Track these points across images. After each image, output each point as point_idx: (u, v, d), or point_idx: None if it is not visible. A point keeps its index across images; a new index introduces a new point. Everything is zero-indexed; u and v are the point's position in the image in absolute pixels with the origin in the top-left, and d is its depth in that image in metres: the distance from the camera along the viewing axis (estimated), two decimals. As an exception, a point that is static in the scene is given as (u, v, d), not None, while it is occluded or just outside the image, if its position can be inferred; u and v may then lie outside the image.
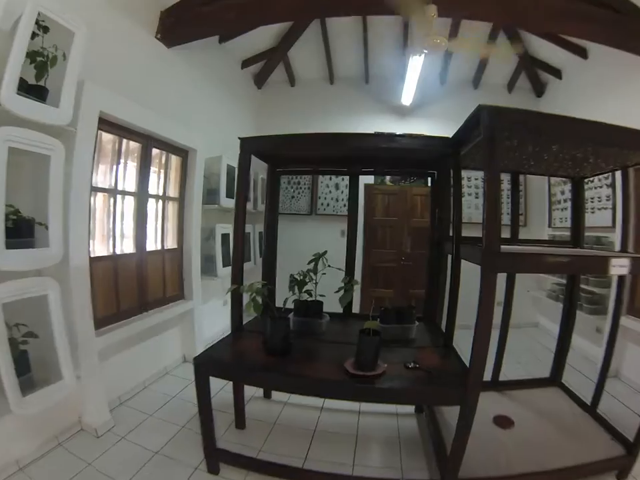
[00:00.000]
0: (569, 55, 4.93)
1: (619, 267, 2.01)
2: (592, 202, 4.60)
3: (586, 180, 4.58)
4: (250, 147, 2.63)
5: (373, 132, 4.94)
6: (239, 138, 2.61)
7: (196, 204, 4.29)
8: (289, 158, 3.04)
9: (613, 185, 4.22)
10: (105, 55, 3.00)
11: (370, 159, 2.97)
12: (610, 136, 2.05)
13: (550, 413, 2.85)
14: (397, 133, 2.55)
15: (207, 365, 2.18)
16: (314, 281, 2.64)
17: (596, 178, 4.54)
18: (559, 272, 1.95)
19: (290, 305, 2.64)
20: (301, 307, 2.71)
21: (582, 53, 4.85)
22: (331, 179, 5.86)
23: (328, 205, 5.94)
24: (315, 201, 5.98)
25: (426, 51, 3.39)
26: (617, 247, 3.95)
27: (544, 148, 2.28)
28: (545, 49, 5.15)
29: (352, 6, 3.78)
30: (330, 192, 5.91)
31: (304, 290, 2.62)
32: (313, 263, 2.63)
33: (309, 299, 2.69)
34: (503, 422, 2.70)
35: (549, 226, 5.68)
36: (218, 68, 5.04)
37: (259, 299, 2.24)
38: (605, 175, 4.39)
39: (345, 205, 5.75)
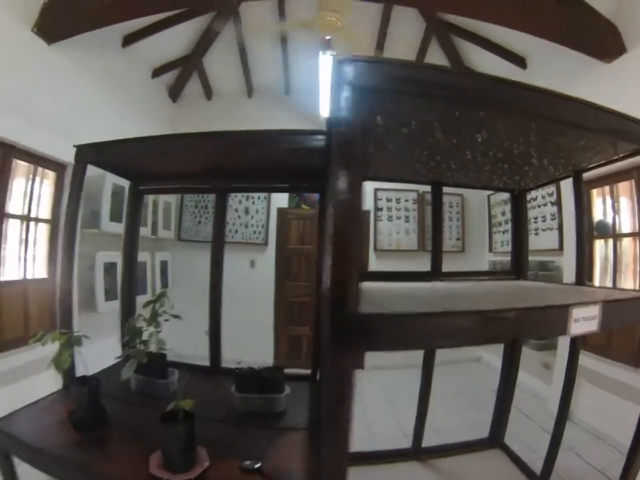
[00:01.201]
0: (507, 65, 4.21)
1: (584, 320, 1.10)
2: (535, 222, 3.77)
3: (528, 198, 3.77)
4: (88, 155, 1.93)
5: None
6: (75, 146, 1.92)
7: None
8: (153, 173, 2.27)
9: (558, 203, 3.41)
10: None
11: (243, 172, 2.14)
12: (570, 112, 1.17)
13: (489, 492, 1.96)
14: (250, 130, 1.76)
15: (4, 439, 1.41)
16: (156, 330, 1.77)
17: (539, 195, 3.73)
18: (479, 343, 0.99)
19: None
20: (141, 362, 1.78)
21: (521, 62, 4.17)
22: (240, 202, 4.88)
23: (237, 231, 4.80)
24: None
25: (328, 37, 2.49)
26: (567, 273, 3.11)
27: (465, 138, 1.36)
28: (482, 59, 4.43)
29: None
30: (239, 217, 4.89)
31: (140, 340, 1.76)
32: (151, 306, 1.79)
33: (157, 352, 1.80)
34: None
35: (490, 250, 4.80)
36: (121, 75, 4.10)
37: (67, 353, 1.56)
38: (549, 192, 3.58)
39: (255, 232, 4.86)
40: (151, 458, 1.27)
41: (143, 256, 4.17)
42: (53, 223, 3.32)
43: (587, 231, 2.83)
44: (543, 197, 3.70)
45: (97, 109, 3.71)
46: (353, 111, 0.91)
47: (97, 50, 3.62)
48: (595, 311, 1.13)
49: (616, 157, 1.57)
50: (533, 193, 3.77)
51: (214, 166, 2.07)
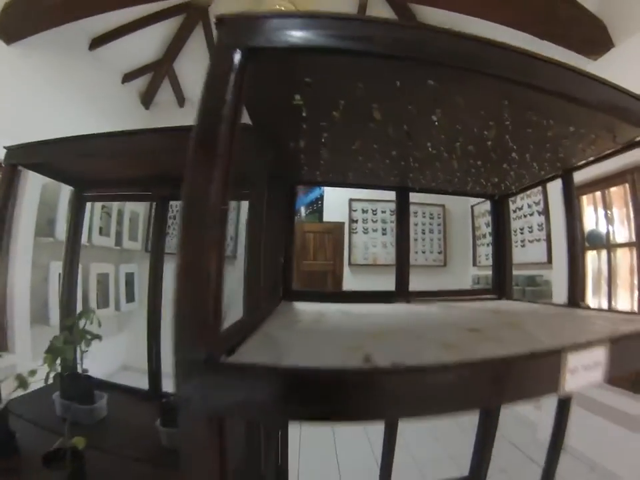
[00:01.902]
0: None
1: (584, 370, 0.72)
2: (521, 233, 3.40)
3: (514, 208, 3.42)
4: (19, 157, 1.73)
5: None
6: (5, 147, 1.73)
7: (25, 236, 3.14)
8: (97, 178, 2.07)
9: (545, 211, 3.04)
10: None
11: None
12: (552, 77, 0.81)
13: None
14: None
15: None
16: (83, 349, 1.68)
17: (525, 204, 3.36)
18: (408, 415, 0.61)
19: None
20: (63, 384, 1.65)
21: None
22: None
23: None
24: (194, 238, 4.53)
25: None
26: (557, 289, 2.76)
27: (417, 122, 1.03)
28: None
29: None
30: None
31: (59, 362, 1.56)
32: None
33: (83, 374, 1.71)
34: None
35: (474, 264, 4.40)
36: (89, 79, 3.81)
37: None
38: (536, 200, 3.22)
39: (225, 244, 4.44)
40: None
41: (105, 267, 3.91)
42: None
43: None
44: (529, 206, 3.34)
45: (62, 114, 3.40)
46: (233, 87, 0.63)
47: (62, 52, 3.36)
48: (599, 355, 0.76)
49: (611, 151, 1.21)
50: (519, 202, 3.42)
51: (162, 171, 1.83)
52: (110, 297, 3.96)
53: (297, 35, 0.69)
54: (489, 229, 4.09)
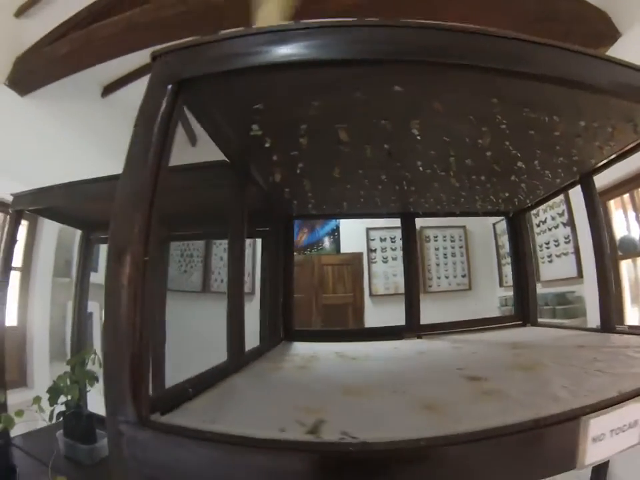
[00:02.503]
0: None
1: (614, 435, 0.51)
2: (547, 248, 3.12)
3: (537, 221, 3.19)
4: (25, 203, 1.75)
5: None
6: (12, 194, 1.79)
7: (43, 276, 3.27)
8: (104, 221, 1.86)
9: (571, 222, 2.78)
10: None
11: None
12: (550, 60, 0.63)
13: None
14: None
15: None
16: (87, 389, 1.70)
17: (548, 216, 3.10)
18: None
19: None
20: (67, 423, 1.61)
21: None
22: (225, 250, 4.38)
23: (222, 280, 4.31)
24: (208, 276, 4.38)
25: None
26: (591, 306, 2.48)
27: (395, 139, 0.87)
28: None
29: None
30: (225, 265, 4.37)
31: (60, 402, 1.60)
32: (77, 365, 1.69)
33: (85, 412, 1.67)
34: None
35: (501, 285, 4.08)
36: (102, 125, 3.81)
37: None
38: (559, 211, 2.96)
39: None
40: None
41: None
42: (24, 270, 3.16)
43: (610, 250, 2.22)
44: (553, 218, 3.08)
45: (78, 161, 3.41)
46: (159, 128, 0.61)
47: (75, 100, 3.46)
48: (634, 413, 0.57)
49: (634, 144, 1.02)
50: (542, 215, 3.17)
51: (163, 212, 1.79)
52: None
53: (233, 57, 0.60)
54: (513, 246, 3.82)
